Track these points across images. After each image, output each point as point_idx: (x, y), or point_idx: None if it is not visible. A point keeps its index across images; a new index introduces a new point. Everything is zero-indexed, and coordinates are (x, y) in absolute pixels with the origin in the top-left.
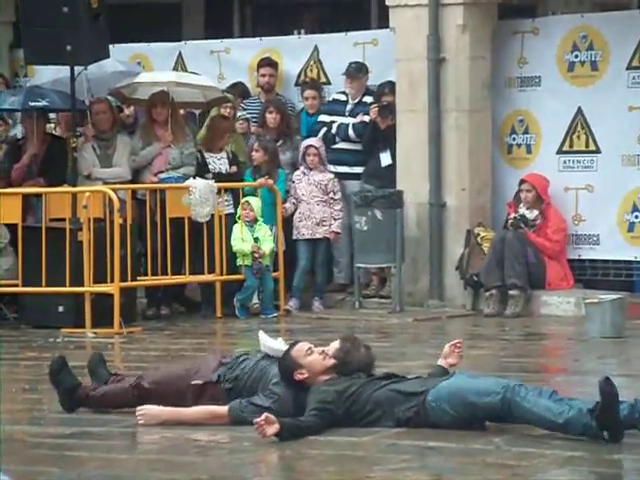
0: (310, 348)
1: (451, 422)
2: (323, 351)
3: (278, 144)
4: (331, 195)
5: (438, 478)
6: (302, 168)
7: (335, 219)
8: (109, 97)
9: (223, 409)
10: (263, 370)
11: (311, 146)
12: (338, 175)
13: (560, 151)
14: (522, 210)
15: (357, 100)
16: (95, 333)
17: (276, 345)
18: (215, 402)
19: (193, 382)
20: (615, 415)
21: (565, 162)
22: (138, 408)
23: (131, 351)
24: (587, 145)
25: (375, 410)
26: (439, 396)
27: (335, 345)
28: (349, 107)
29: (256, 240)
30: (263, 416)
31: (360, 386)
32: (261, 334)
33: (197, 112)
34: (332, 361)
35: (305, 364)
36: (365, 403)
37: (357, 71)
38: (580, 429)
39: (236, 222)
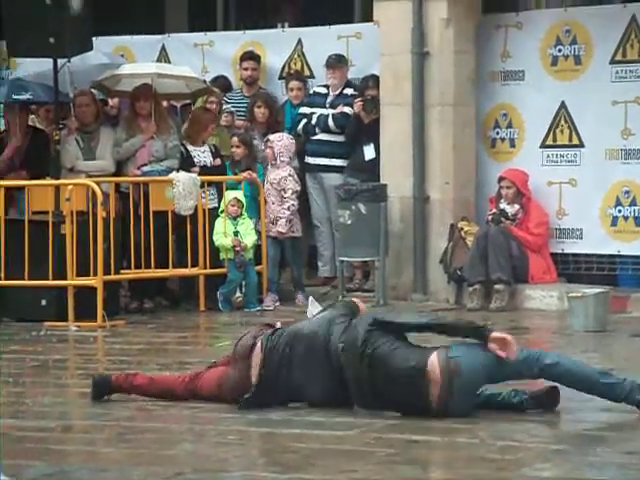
0: None
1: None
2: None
3: (265, 139)
4: (282, 193)
5: (423, 472)
6: (268, 164)
7: (280, 218)
8: (92, 90)
9: None
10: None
11: (267, 140)
12: (317, 167)
13: (543, 145)
14: (502, 205)
15: (338, 92)
16: (78, 326)
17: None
18: None
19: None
20: None
21: (548, 156)
22: None
23: (114, 344)
24: (570, 139)
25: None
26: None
27: None
28: (329, 99)
29: (236, 234)
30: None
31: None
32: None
33: (178, 105)
34: None
35: None
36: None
37: (337, 61)
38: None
39: (219, 216)
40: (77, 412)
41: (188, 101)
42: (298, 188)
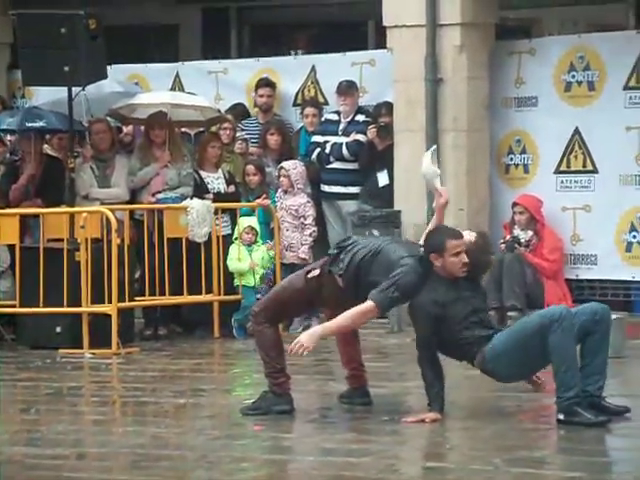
0: (460, 252)
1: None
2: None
3: (279, 167)
4: (302, 220)
5: None
6: (279, 191)
7: (302, 244)
8: (108, 117)
9: (369, 304)
10: (380, 250)
11: (282, 168)
12: (334, 195)
13: (557, 171)
14: (516, 232)
15: (349, 119)
16: (93, 354)
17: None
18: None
19: (309, 275)
20: None
21: (562, 182)
22: (295, 342)
23: (129, 372)
24: (584, 165)
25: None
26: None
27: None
28: (342, 126)
29: None
30: None
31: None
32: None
33: (192, 132)
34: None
35: (446, 257)
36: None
37: (348, 87)
38: None
39: (233, 242)
40: (91, 440)
41: (202, 129)
42: (315, 214)
